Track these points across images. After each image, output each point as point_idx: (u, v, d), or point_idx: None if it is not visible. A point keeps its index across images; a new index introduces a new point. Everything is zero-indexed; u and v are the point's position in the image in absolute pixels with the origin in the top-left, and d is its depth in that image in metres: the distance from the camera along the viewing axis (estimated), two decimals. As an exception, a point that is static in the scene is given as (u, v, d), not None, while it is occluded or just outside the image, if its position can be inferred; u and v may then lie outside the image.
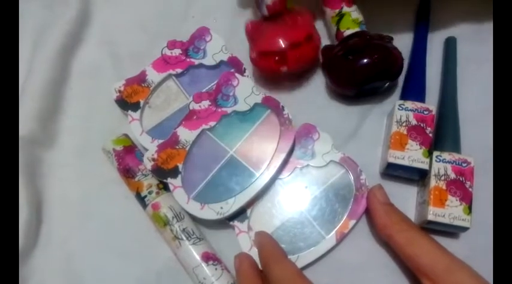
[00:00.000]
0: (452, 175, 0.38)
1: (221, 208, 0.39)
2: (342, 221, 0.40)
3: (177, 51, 0.46)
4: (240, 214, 0.40)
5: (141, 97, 0.45)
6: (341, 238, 0.39)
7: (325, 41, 0.47)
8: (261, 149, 0.41)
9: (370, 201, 0.39)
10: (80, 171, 0.45)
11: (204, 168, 0.41)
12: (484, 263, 0.35)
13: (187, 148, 0.42)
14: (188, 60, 0.46)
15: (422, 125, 0.40)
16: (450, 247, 0.38)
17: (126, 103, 0.45)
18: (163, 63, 0.46)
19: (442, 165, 0.39)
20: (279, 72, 0.44)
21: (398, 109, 0.41)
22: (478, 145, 0.41)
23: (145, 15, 0.52)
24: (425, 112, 0.41)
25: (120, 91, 0.45)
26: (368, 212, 0.40)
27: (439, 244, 0.35)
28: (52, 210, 0.44)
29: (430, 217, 0.37)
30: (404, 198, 0.41)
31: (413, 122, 0.40)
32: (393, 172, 0.41)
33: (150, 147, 0.42)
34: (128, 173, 0.42)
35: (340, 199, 0.41)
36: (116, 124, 0.46)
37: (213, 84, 0.45)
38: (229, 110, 0.43)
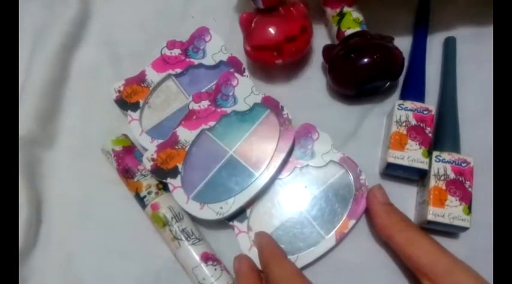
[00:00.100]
0: (452, 175, 0.38)
1: (221, 208, 0.39)
2: (341, 221, 0.40)
3: (176, 51, 0.46)
4: (240, 214, 0.40)
5: (140, 97, 0.45)
6: (341, 238, 0.39)
7: (325, 41, 0.47)
8: (260, 149, 0.41)
9: (370, 201, 0.39)
10: (79, 171, 0.45)
11: (203, 168, 0.41)
12: (483, 263, 0.35)
13: (186, 148, 0.42)
14: (188, 60, 0.46)
15: (421, 125, 0.40)
16: (450, 247, 0.38)
17: (126, 103, 0.45)
18: (163, 63, 0.46)
19: (441, 165, 0.39)
20: (273, 64, 0.44)
21: (398, 109, 0.41)
22: (478, 145, 0.41)
23: (145, 15, 0.52)
24: (424, 112, 0.41)
25: (119, 91, 0.45)
26: (368, 212, 0.40)
27: (439, 244, 0.35)
28: (51, 210, 0.44)
29: (430, 217, 0.37)
30: (404, 198, 0.41)
31: (413, 122, 0.40)
32: (393, 172, 0.41)
33: (149, 147, 0.42)
34: (127, 173, 0.42)
35: (339, 199, 0.40)
36: (115, 124, 0.46)
37: (212, 84, 0.45)
38: (228, 110, 0.43)
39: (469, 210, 0.37)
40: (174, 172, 0.41)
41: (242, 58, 0.46)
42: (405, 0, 0.48)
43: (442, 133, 0.41)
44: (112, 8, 0.53)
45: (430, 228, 0.39)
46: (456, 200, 0.37)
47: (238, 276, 0.37)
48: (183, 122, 0.42)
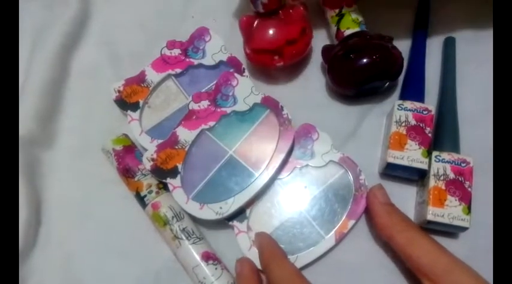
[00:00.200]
0: (452, 175, 0.38)
1: (220, 208, 0.39)
2: (341, 221, 0.40)
3: (176, 51, 0.46)
4: (239, 214, 0.40)
5: (140, 97, 0.45)
6: (340, 238, 0.39)
7: (325, 41, 0.47)
8: (260, 149, 0.41)
9: (370, 201, 0.39)
10: (79, 171, 0.45)
11: (203, 168, 0.41)
12: (483, 263, 0.35)
13: (186, 148, 0.42)
14: (187, 60, 0.46)
15: (421, 125, 0.40)
16: (449, 247, 0.38)
17: (126, 103, 0.45)
18: (163, 63, 0.46)
19: (441, 165, 0.39)
20: (274, 67, 0.44)
21: (398, 109, 0.41)
22: (477, 145, 0.41)
23: (145, 15, 0.52)
24: (424, 112, 0.41)
25: (119, 91, 0.45)
26: (368, 212, 0.40)
27: (439, 244, 0.35)
28: (51, 210, 0.44)
29: (430, 217, 0.37)
30: (404, 198, 0.41)
31: (413, 122, 0.40)
32: (392, 172, 0.41)
33: (149, 147, 0.42)
34: (127, 173, 0.42)
35: (339, 199, 0.40)
36: (115, 124, 0.46)
37: (212, 84, 0.45)
38: (228, 110, 0.43)
39: (468, 209, 0.37)
40: (173, 172, 0.41)
41: (242, 58, 0.46)
42: (405, 1, 0.48)
43: (441, 133, 0.41)
44: (112, 8, 0.53)
45: (430, 228, 0.39)
46: (456, 200, 0.37)
47: (239, 279, 0.37)
48: (182, 122, 0.42)
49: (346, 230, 0.39)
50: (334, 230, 0.39)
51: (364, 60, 0.41)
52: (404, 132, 0.40)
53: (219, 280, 0.37)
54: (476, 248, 0.39)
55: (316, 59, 0.47)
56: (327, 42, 0.47)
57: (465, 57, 0.45)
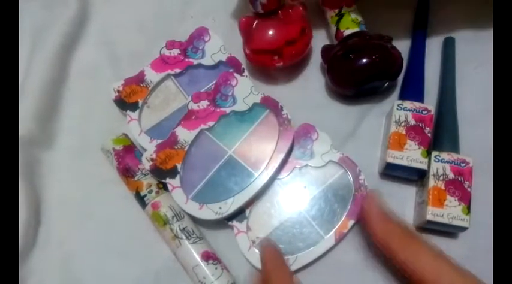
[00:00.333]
0: (451, 175, 0.38)
1: (220, 208, 0.39)
2: (340, 221, 0.40)
3: (175, 51, 0.46)
4: (239, 214, 0.40)
5: (139, 97, 0.45)
6: (340, 238, 0.39)
7: (324, 41, 0.47)
8: (259, 149, 0.41)
9: (366, 208, 0.37)
10: (78, 171, 0.45)
11: (202, 168, 0.41)
12: (483, 263, 0.35)
13: (186, 148, 0.42)
14: (187, 60, 0.46)
15: (421, 125, 0.40)
16: (449, 247, 0.38)
17: (125, 103, 0.45)
18: (162, 63, 0.46)
19: (440, 165, 0.39)
20: (274, 67, 0.44)
21: (397, 109, 0.41)
22: (477, 145, 0.41)
23: (144, 15, 0.52)
24: (424, 112, 0.41)
25: (118, 91, 0.45)
26: (363, 219, 0.38)
27: (442, 256, 0.32)
28: (51, 210, 0.44)
29: (429, 217, 0.37)
30: (403, 198, 0.41)
31: (412, 122, 0.40)
32: (392, 172, 0.41)
33: (148, 147, 0.42)
34: (127, 172, 0.42)
35: (339, 199, 0.40)
36: (114, 124, 0.46)
37: (211, 84, 0.45)
38: (228, 110, 0.43)
39: (468, 210, 0.37)
40: (173, 172, 0.41)
41: (241, 58, 0.46)
42: (404, 1, 0.48)
43: (441, 133, 0.41)
44: (111, 8, 0.53)
45: (429, 228, 0.39)
46: (455, 200, 0.37)
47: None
48: (182, 122, 0.42)
49: (346, 230, 0.39)
50: (334, 230, 0.39)
51: (364, 60, 0.41)
52: (404, 132, 0.40)
53: (219, 280, 0.37)
54: (475, 248, 0.39)
55: (316, 59, 0.47)
56: (327, 42, 0.47)
57: (465, 57, 0.45)
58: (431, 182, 0.38)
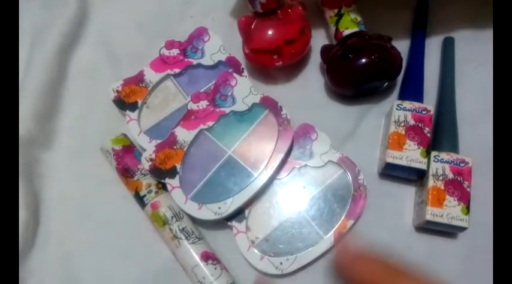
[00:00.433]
0: (450, 175, 0.38)
1: (219, 208, 0.39)
2: (340, 222, 0.40)
3: (175, 51, 0.46)
4: (238, 214, 0.40)
5: (139, 98, 0.45)
6: (339, 238, 0.39)
7: (324, 41, 0.47)
8: (259, 149, 0.41)
9: (342, 254, 0.30)
10: (77, 171, 0.45)
11: (202, 168, 0.41)
12: (482, 263, 0.35)
13: (185, 149, 0.42)
14: (186, 60, 0.46)
15: (420, 125, 0.40)
16: (448, 247, 0.38)
17: (124, 103, 0.45)
18: (162, 63, 0.46)
19: (440, 165, 0.39)
20: (273, 67, 0.44)
21: (397, 109, 0.41)
22: (476, 145, 0.41)
23: (143, 15, 0.52)
24: (423, 112, 0.41)
25: (118, 91, 0.45)
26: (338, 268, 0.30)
27: None
28: (50, 210, 0.44)
29: (428, 217, 0.37)
30: (403, 198, 0.41)
31: (412, 122, 0.40)
32: (391, 172, 0.41)
33: (148, 147, 0.42)
34: (126, 172, 0.42)
35: (338, 199, 0.40)
36: (113, 124, 0.46)
37: (211, 84, 0.45)
38: (227, 110, 0.43)
39: (467, 210, 0.37)
40: (172, 172, 0.41)
41: (241, 58, 0.46)
42: (404, 1, 0.48)
43: (440, 133, 0.41)
44: (110, 8, 0.53)
45: (429, 228, 0.39)
46: (454, 200, 0.37)
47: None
48: (181, 122, 0.42)
49: (345, 230, 0.39)
50: (333, 230, 0.39)
51: (363, 60, 0.41)
52: (403, 132, 0.40)
53: (218, 280, 0.37)
54: (475, 248, 0.39)
55: (315, 59, 0.47)
56: (326, 42, 0.47)
57: (464, 57, 0.45)
58: (431, 182, 0.38)
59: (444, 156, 0.39)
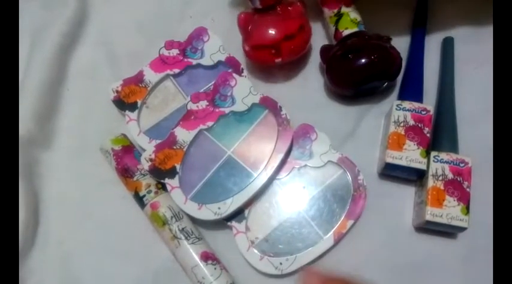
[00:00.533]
0: (450, 176, 0.38)
1: (219, 208, 0.39)
2: (339, 222, 0.40)
3: (174, 51, 0.46)
4: (238, 214, 0.40)
5: (138, 98, 0.45)
6: (339, 238, 0.39)
7: (323, 41, 0.47)
8: (258, 149, 0.41)
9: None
10: (77, 171, 0.45)
11: (201, 168, 0.41)
12: (482, 263, 0.35)
13: (184, 149, 0.42)
14: (186, 60, 0.46)
15: (420, 125, 0.40)
16: (448, 247, 0.38)
17: (124, 103, 0.45)
18: (161, 63, 0.46)
19: (439, 165, 0.39)
20: (273, 63, 0.44)
21: (396, 109, 0.41)
22: (476, 145, 0.41)
23: (143, 15, 0.52)
24: (423, 113, 0.41)
25: (117, 91, 0.45)
26: None
27: None
28: (50, 210, 0.44)
29: (428, 217, 0.37)
30: (402, 198, 0.41)
31: (411, 122, 0.40)
32: (391, 172, 0.41)
33: (147, 147, 0.42)
34: (126, 173, 0.42)
35: (338, 200, 0.40)
36: (113, 124, 0.46)
37: (210, 84, 0.45)
38: (226, 110, 0.43)
39: (467, 210, 0.37)
40: (172, 173, 0.41)
41: (240, 58, 0.46)
42: (404, 0, 0.48)
43: (440, 133, 0.41)
44: (110, 8, 0.53)
45: (429, 228, 0.39)
46: (454, 200, 0.37)
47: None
48: (181, 122, 0.42)
49: (345, 230, 0.39)
50: (333, 230, 0.39)
51: (363, 60, 0.41)
52: (403, 132, 0.40)
53: (218, 280, 0.37)
54: (475, 248, 0.39)
55: (315, 59, 0.47)
56: (326, 42, 0.47)
57: (464, 57, 0.45)
58: (430, 182, 0.38)
59: (444, 156, 0.39)
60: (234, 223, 0.40)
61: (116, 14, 0.52)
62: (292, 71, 0.47)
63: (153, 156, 0.41)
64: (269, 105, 0.42)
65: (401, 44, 0.45)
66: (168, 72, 0.46)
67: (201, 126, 0.42)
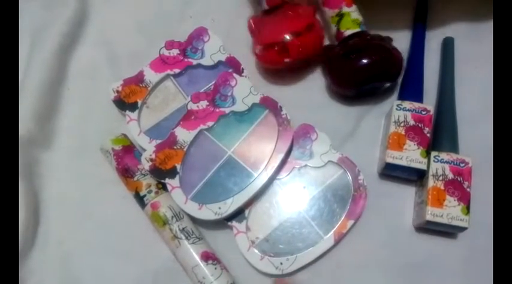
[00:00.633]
0: (450, 175, 0.38)
1: (219, 208, 0.39)
2: (340, 222, 0.40)
3: (175, 52, 0.46)
4: (238, 214, 0.40)
5: (138, 98, 0.45)
6: (339, 238, 0.39)
7: (324, 41, 0.47)
8: (259, 149, 0.41)
9: None
10: (77, 172, 0.45)
11: (202, 168, 0.41)
12: (482, 263, 0.35)
13: (185, 149, 0.42)
14: (186, 60, 0.46)
15: (420, 125, 0.40)
16: (448, 247, 0.38)
17: (124, 103, 0.45)
18: (161, 63, 0.46)
19: (440, 165, 0.39)
20: (282, 64, 0.44)
21: (396, 109, 0.41)
22: (476, 145, 0.41)
23: (143, 15, 0.52)
24: (423, 113, 0.41)
25: (117, 91, 0.45)
26: None
27: None
28: (50, 210, 0.44)
29: (428, 218, 0.37)
30: (403, 198, 0.41)
31: (411, 122, 0.40)
32: (391, 172, 0.41)
33: (148, 147, 0.42)
34: (126, 173, 0.41)
35: (338, 200, 0.40)
36: (113, 124, 0.46)
37: (211, 84, 0.45)
38: (227, 110, 0.43)
39: (467, 210, 0.37)
40: (172, 173, 0.41)
41: (241, 58, 0.46)
42: (404, 1, 0.48)
43: (440, 133, 0.41)
44: (110, 9, 0.52)
45: (429, 228, 0.39)
46: (454, 200, 0.37)
47: None
48: (181, 122, 0.42)
49: (345, 230, 0.39)
50: (333, 230, 0.39)
51: (364, 61, 0.41)
52: (403, 132, 0.40)
53: (218, 280, 0.37)
54: (475, 248, 0.39)
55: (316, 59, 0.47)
56: (327, 43, 0.47)
57: (464, 57, 0.45)
58: (431, 182, 0.38)
59: (444, 156, 0.39)
60: (234, 223, 0.40)
61: (116, 14, 0.52)
62: (292, 71, 0.47)
63: (153, 156, 0.41)
64: (269, 105, 0.42)
65: (401, 44, 0.45)
66: (169, 72, 0.46)
67: (202, 126, 0.42)
